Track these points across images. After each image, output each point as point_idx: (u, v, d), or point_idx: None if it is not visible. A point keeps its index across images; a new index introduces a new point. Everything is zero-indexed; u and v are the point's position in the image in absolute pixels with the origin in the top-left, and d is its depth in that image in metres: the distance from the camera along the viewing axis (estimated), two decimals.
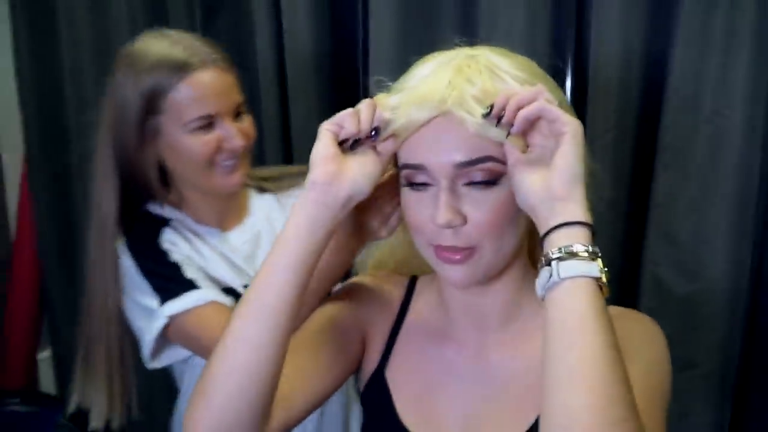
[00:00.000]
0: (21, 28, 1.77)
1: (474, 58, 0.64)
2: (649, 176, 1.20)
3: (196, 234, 1.04)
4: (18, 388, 1.89)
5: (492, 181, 0.62)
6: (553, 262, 0.55)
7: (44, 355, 2.03)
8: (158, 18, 1.58)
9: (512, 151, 0.61)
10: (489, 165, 0.61)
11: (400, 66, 0.69)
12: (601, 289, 0.55)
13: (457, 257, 0.64)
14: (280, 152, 1.47)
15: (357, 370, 0.78)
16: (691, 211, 1.17)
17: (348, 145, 0.63)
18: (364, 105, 0.63)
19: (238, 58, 1.47)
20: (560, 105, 0.63)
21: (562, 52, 1.23)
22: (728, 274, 1.17)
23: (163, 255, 0.99)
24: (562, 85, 1.25)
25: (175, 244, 1.01)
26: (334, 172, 0.62)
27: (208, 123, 0.96)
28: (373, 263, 0.83)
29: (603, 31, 1.17)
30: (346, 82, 1.40)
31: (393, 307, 0.78)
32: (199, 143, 0.95)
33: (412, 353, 0.75)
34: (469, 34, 1.25)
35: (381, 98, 0.65)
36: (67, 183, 1.87)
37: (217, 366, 0.61)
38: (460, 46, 0.68)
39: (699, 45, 1.12)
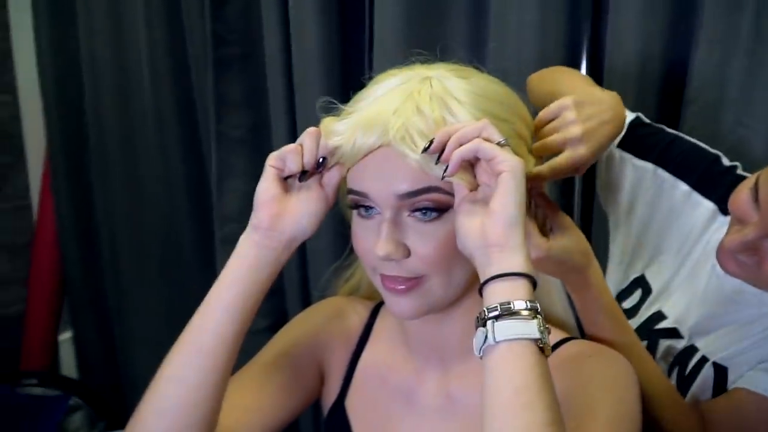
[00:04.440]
0: (41, 18, 1.86)
1: (427, 81, 0.63)
2: None
3: None
4: (38, 370, 2.02)
5: (438, 212, 0.62)
6: (489, 322, 0.54)
7: (65, 336, 2.15)
8: (171, 5, 1.64)
9: (459, 189, 0.60)
10: (434, 195, 0.61)
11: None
12: (542, 350, 0.54)
13: (402, 287, 0.63)
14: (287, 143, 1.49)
15: (318, 398, 0.80)
16: None
17: (297, 178, 0.64)
18: (307, 136, 0.63)
19: (248, 47, 1.52)
20: (515, 140, 0.62)
21: (576, 51, 1.20)
22: None
23: None
24: None
25: None
26: (277, 214, 0.63)
27: None
28: (345, 289, 0.84)
29: (620, 30, 1.13)
30: (353, 75, 1.40)
31: (354, 334, 0.80)
32: None
33: (373, 383, 0.76)
34: (479, 28, 1.26)
35: (327, 123, 0.64)
36: (85, 169, 1.97)
37: (147, 406, 0.62)
38: (420, 61, 0.68)
39: (722, 48, 1.06)
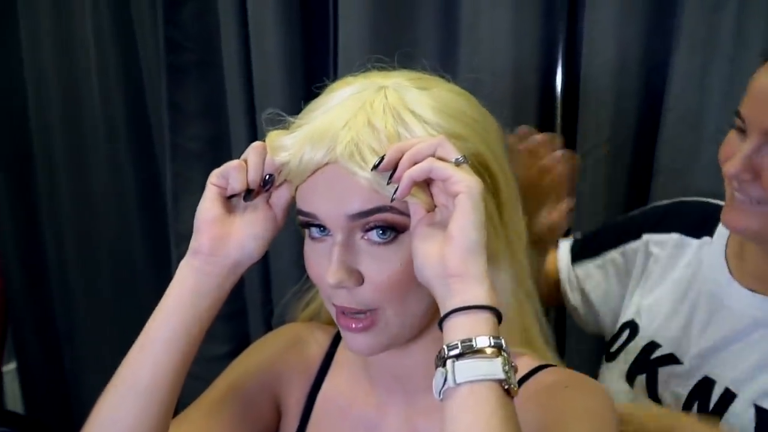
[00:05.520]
0: None
1: (382, 92, 0.61)
2: (645, 200, 1.16)
3: None
4: None
5: (392, 234, 0.60)
6: (449, 362, 0.52)
7: (9, 368, 2.10)
8: (121, 8, 1.61)
9: (416, 210, 0.59)
10: (387, 216, 0.59)
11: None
12: (508, 391, 0.52)
13: (357, 326, 0.62)
14: None
15: None
16: None
17: (241, 197, 0.63)
18: (251, 152, 0.62)
19: (205, 53, 1.50)
20: (475, 166, 0.60)
21: (551, 57, 1.20)
22: None
23: None
24: (551, 94, 1.22)
25: None
26: (219, 237, 0.62)
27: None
28: (305, 315, 0.83)
29: (596, 33, 1.13)
30: (318, 83, 1.39)
31: (313, 364, 0.78)
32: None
33: (333, 417, 0.75)
34: (449, 35, 1.25)
35: (274, 137, 0.63)
36: (30, 185, 1.92)
37: None
38: (377, 68, 0.67)
39: (703, 52, 1.07)
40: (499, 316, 0.54)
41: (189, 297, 0.62)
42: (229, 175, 0.62)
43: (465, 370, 0.51)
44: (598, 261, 1.03)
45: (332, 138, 0.59)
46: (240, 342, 1.56)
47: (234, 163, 0.62)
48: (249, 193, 0.62)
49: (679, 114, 1.11)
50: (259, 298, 1.51)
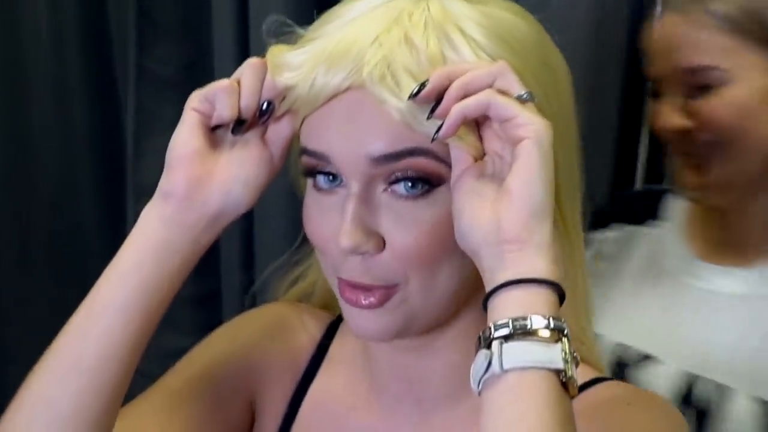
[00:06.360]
0: None
1: (423, 2, 0.61)
2: None
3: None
4: None
5: (425, 188, 0.60)
6: (495, 343, 0.52)
7: None
8: None
9: (461, 157, 0.59)
10: (421, 161, 0.59)
11: None
12: (565, 386, 0.52)
13: (368, 300, 0.63)
14: None
15: None
16: None
17: (229, 129, 0.63)
18: (247, 70, 0.62)
19: None
20: (542, 94, 0.60)
21: None
22: None
23: None
24: (631, 41, 1.15)
25: None
26: (198, 177, 0.62)
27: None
28: (293, 294, 0.83)
29: None
30: None
31: (301, 357, 0.79)
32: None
33: (324, 425, 0.76)
34: None
35: (278, 53, 0.63)
36: None
37: None
38: None
39: None
40: (561, 295, 0.55)
41: (155, 252, 0.62)
42: (216, 99, 0.62)
43: (515, 353, 0.52)
44: None
45: (357, 56, 0.58)
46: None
47: (223, 83, 0.62)
48: (240, 124, 0.62)
49: None
50: (237, 279, 1.49)
